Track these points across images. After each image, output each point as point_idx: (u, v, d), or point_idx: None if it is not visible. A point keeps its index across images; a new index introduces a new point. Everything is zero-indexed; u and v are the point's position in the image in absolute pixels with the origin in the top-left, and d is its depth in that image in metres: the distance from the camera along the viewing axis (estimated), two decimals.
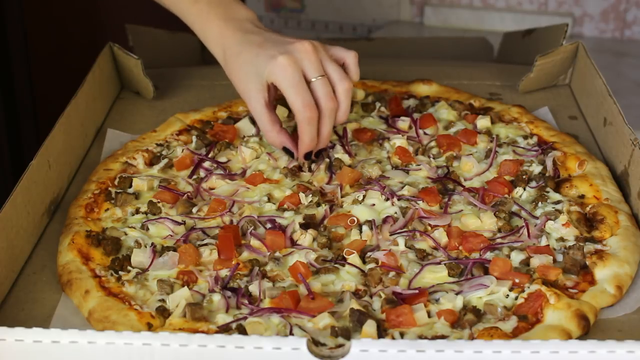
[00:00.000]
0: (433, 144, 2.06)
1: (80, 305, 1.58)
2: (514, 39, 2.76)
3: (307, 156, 1.92)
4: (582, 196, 1.84)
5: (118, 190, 1.89)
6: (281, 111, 2.18)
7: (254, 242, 1.73)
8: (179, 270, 1.66)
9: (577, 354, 1.30)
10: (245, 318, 1.52)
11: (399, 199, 1.84)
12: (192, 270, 1.66)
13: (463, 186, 1.91)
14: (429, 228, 1.77)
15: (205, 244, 1.72)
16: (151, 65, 2.32)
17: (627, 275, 1.62)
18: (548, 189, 1.87)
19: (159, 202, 1.85)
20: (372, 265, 1.66)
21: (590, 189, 1.85)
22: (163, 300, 1.57)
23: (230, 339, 1.32)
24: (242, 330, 1.49)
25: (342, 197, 1.88)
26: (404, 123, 2.13)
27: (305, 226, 1.77)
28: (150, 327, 1.52)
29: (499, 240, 1.74)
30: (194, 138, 2.08)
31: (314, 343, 1.41)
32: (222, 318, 1.53)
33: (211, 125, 2.13)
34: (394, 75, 2.40)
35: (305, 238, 1.74)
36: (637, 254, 1.67)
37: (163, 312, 1.55)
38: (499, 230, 1.77)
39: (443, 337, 1.48)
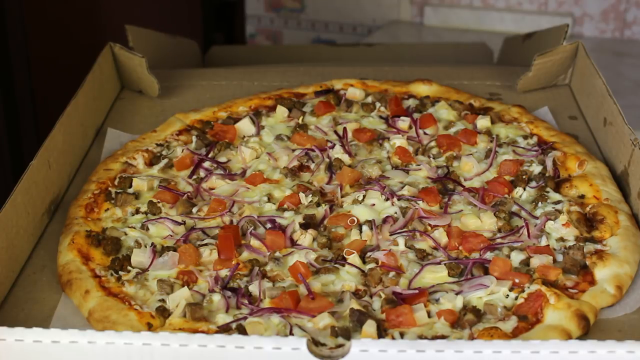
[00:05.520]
0: (433, 144, 2.06)
1: (80, 305, 1.58)
2: (514, 43, 2.76)
3: None
4: (582, 196, 1.84)
5: (118, 190, 1.89)
6: (281, 111, 2.18)
7: (254, 242, 1.73)
8: (179, 270, 1.66)
9: (577, 354, 1.30)
10: (245, 318, 1.52)
11: (399, 199, 1.84)
12: (192, 270, 1.66)
13: (463, 186, 1.91)
14: (429, 228, 1.77)
15: (205, 244, 1.72)
16: (150, 67, 2.32)
17: (627, 275, 1.62)
18: (548, 189, 1.87)
19: (159, 202, 1.85)
20: (372, 265, 1.66)
21: (590, 189, 1.85)
22: (163, 300, 1.57)
23: (230, 339, 1.32)
24: (242, 330, 1.49)
25: (342, 197, 1.88)
26: (404, 123, 2.13)
27: (305, 226, 1.77)
28: (150, 327, 1.51)
29: (499, 240, 1.74)
30: (194, 138, 2.08)
31: (314, 343, 1.41)
32: (222, 318, 1.53)
33: (211, 125, 2.13)
34: (395, 76, 2.40)
35: (305, 238, 1.74)
36: (637, 254, 1.67)
37: (163, 312, 1.55)
38: (499, 230, 1.77)
39: (443, 337, 1.48)
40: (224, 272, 1.65)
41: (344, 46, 3.47)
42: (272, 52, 3.47)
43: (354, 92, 2.27)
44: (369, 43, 3.52)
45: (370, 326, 1.48)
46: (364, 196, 1.86)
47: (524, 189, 1.88)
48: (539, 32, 2.60)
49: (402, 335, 1.49)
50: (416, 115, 2.16)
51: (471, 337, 1.48)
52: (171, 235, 1.76)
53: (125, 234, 1.76)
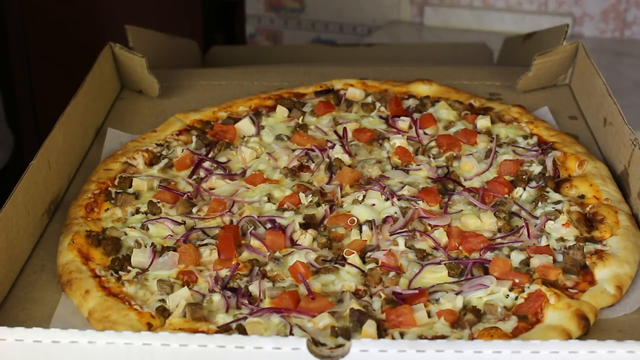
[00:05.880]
0: (433, 144, 2.06)
1: (80, 305, 1.58)
2: (515, 43, 2.76)
3: None
4: (582, 196, 1.84)
5: (118, 190, 1.89)
6: (281, 111, 2.18)
7: (254, 242, 1.73)
8: (179, 270, 1.66)
9: (577, 354, 1.30)
10: (245, 318, 1.52)
11: (399, 199, 1.84)
12: (192, 270, 1.66)
13: (463, 186, 1.91)
14: (429, 228, 1.77)
15: (205, 244, 1.72)
16: (150, 67, 2.32)
17: (627, 275, 1.62)
18: (548, 189, 1.87)
19: (159, 202, 1.85)
20: (372, 265, 1.66)
21: (590, 189, 1.85)
22: (163, 300, 1.58)
23: (230, 339, 1.32)
24: (242, 330, 1.49)
25: (342, 197, 1.88)
26: (404, 123, 2.13)
27: (305, 226, 1.77)
28: (150, 327, 1.52)
29: (499, 240, 1.74)
30: (194, 138, 2.08)
31: (314, 343, 1.41)
32: (222, 318, 1.53)
33: (211, 125, 2.13)
34: (395, 76, 2.40)
35: (305, 238, 1.74)
36: (637, 254, 1.67)
37: (163, 312, 1.55)
38: (499, 230, 1.77)
39: (443, 337, 1.48)
40: (224, 272, 1.65)
41: (344, 46, 3.47)
42: (272, 52, 3.47)
43: (354, 92, 2.27)
44: (369, 43, 3.53)
45: (370, 326, 1.48)
46: (364, 196, 1.86)
47: (524, 189, 1.88)
48: (539, 32, 2.60)
49: (402, 335, 1.49)
50: (416, 115, 2.16)
51: (471, 337, 1.48)
52: (171, 235, 1.76)
53: (125, 234, 1.76)
